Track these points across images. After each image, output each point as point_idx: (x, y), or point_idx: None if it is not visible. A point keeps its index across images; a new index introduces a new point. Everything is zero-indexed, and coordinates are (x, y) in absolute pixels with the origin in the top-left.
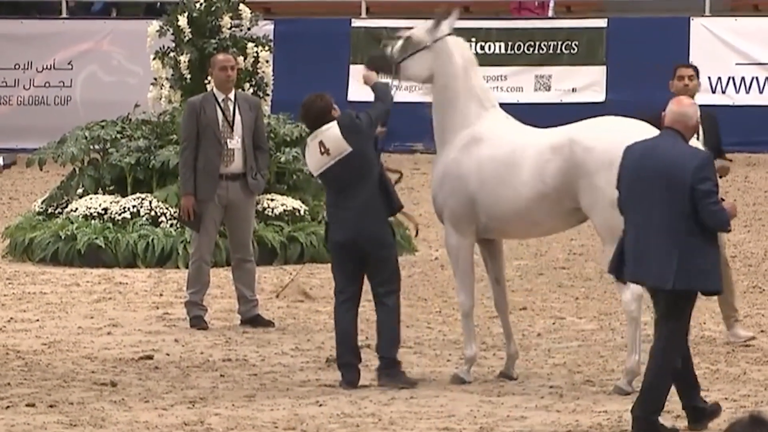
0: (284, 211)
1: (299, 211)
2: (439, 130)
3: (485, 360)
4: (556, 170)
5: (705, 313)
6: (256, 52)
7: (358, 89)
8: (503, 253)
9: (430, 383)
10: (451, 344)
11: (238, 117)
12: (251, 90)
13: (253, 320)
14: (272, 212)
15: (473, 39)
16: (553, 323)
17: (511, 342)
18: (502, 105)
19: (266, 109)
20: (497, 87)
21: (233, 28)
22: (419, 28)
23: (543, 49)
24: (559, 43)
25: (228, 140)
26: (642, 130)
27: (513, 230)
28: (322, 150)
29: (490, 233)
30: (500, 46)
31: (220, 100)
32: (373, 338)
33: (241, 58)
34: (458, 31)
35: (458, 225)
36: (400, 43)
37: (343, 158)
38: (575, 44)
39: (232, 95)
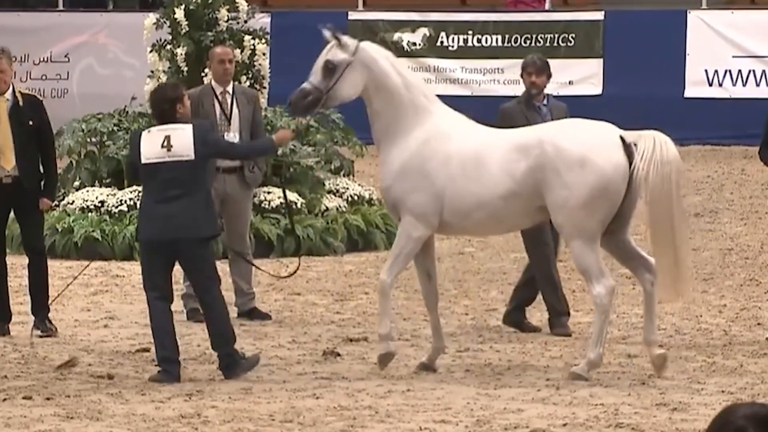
0: (281, 203)
1: (296, 203)
2: (385, 133)
3: (482, 353)
4: (527, 168)
5: (701, 306)
6: (253, 44)
7: None
8: (434, 247)
9: (426, 376)
10: (447, 337)
11: (235, 110)
12: (248, 83)
13: (249, 313)
14: (269, 205)
15: (470, 31)
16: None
17: (439, 336)
18: (499, 98)
19: (263, 101)
20: (494, 80)
21: (230, 21)
22: (330, 51)
23: (540, 42)
24: (556, 35)
25: (225, 133)
26: (610, 132)
27: (474, 227)
28: (165, 144)
29: (448, 230)
30: (497, 39)
31: (218, 93)
32: (370, 332)
33: (238, 51)
34: (456, 24)
35: (423, 218)
36: (318, 72)
37: (183, 161)
38: (572, 37)
39: (230, 88)
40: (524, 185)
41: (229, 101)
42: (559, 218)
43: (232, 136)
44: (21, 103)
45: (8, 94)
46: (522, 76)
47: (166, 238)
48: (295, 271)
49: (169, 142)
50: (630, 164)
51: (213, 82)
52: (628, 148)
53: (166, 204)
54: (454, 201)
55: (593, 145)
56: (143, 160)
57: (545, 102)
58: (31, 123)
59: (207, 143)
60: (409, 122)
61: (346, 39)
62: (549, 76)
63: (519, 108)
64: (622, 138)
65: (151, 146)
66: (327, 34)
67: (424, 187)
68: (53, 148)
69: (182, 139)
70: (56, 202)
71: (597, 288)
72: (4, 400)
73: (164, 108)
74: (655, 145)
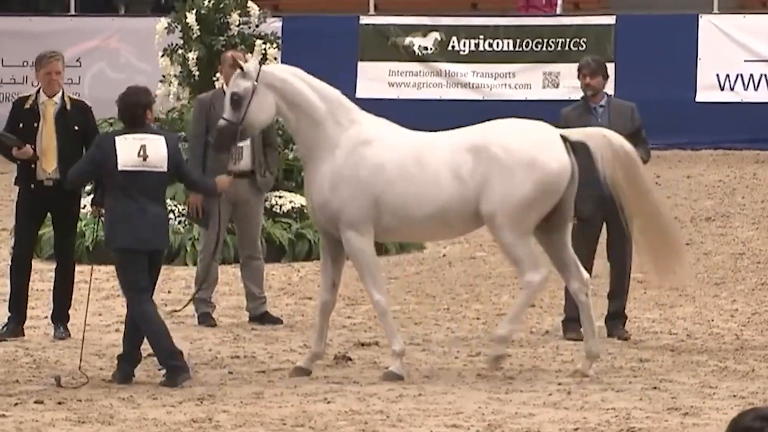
0: (292, 208)
1: (307, 208)
2: (310, 148)
3: None
4: (474, 170)
5: (713, 310)
6: (265, 49)
7: (366, 87)
8: (344, 258)
9: (438, 380)
10: (459, 341)
11: None
12: None
13: (261, 317)
14: (280, 209)
15: (481, 36)
16: (562, 321)
17: (323, 342)
18: (510, 102)
19: None
20: (505, 84)
21: (241, 25)
22: (233, 82)
23: (551, 47)
24: (567, 40)
25: None
26: (551, 131)
27: (420, 232)
28: (141, 153)
29: (391, 235)
30: (508, 44)
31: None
32: (382, 336)
33: (249, 55)
34: (467, 29)
35: (360, 228)
36: (227, 106)
37: (156, 172)
38: (583, 41)
39: None
40: (472, 188)
41: None
42: (489, 208)
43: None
44: (68, 107)
45: (57, 98)
46: (578, 78)
47: (151, 247)
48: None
49: (145, 151)
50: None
51: (225, 87)
52: (568, 148)
53: (143, 213)
54: (396, 206)
55: (540, 145)
56: (120, 167)
57: (602, 103)
58: (76, 128)
59: (176, 159)
60: (331, 134)
61: (248, 66)
62: (605, 77)
63: (576, 111)
64: (563, 137)
65: (128, 153)
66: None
67: (359, 196)
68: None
69: (157, 150)
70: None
71: (530, 275)
72: (16, 404)
73: (137, 113)
74: (610, 141)
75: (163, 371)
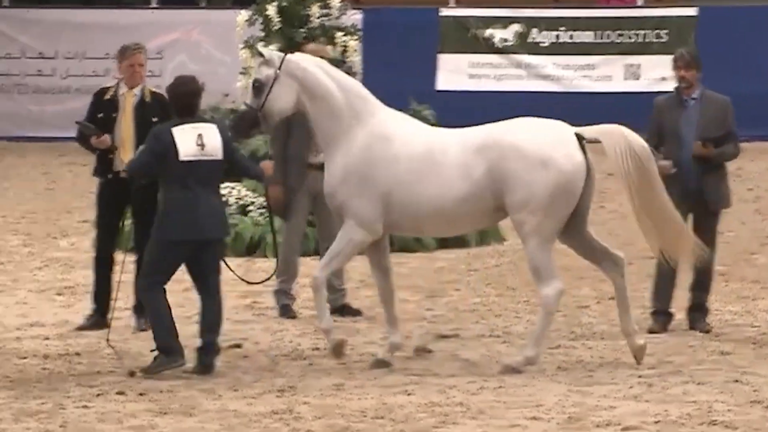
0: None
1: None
2: (327, 138)
3: (573, 350)
4: (485, 170)
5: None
6: (345, 41)
7: (446, 79)
8: (387, 242)
9: (518, 372)
10: None
11: None
12: None
13: (341, 309)
14: None
15: (562, 28)
16: (642, 313)
17: (396, 332)
18: (590, 94)
19: None
20: (586, 76)
21: (322, 18)
22: (256, 69)
23: (632, 38)
24: (649, 32)
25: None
26: (566, 130)
27: (429, 228)
28: (199, 142)
29: (398, 230)
30: (589, 35)
31: None
32: (462, 328)
33: (329, 48)
34: (547, 20)
35: (366, 224)
36: (249, 92)
37: (214, 161)
38: (665, 33)
39: None
40: (482, 187)
41: None
42: (518, 217)
43: None
44: (148, 99)
45: (137, 90)
46: (672, 69)
47: (206, 237)
48: (268, 278)
49: (202, 140)
50: (587, 162)
51: None
52: (583, 146)
53: (198, 203)
54: (405, 203)
55: (553, 145)
56: (182, 158)
57: (695, 95)
58: (154, 120)
59: (229, 146)
60: (348, 126)
61: (271, 54)
62: (699, 69)
63: (668, 102)
64: (578, 135)
65: (187, 143)
66: (254, 53)
67: (366, 192)
68: None
69: (212, 138)
70: None
71: (546, 290)
72: (98, 395)
73: (190, 102)
74: (626, 138)
75: (156, 353)
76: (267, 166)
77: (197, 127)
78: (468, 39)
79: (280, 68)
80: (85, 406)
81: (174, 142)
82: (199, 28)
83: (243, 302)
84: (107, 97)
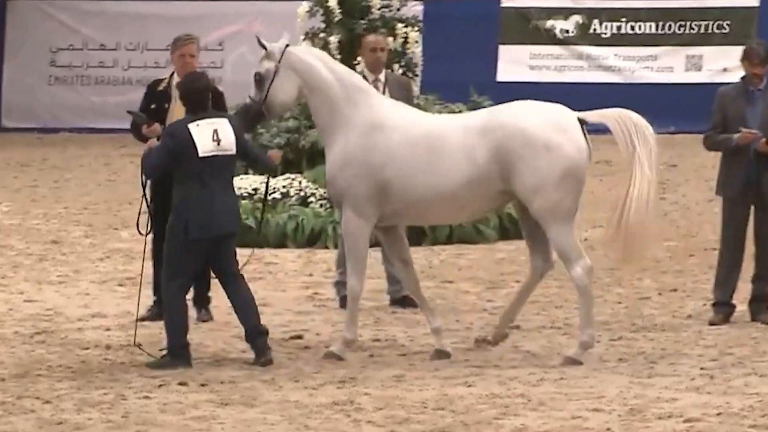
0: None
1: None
2: (328, 129)
3: (635, 341)
4: (489, 154)
5: None
6: (406, 32)
7: (507, 70)
8: (404, 234)
9: (579, 364)
10: (600, 325)
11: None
12: (400, 71)
13: (401, 300)
14: None
15: (623, 18)
16: (704, 305)
17: (434, 316)
18: (652, 85)
19: (415, 89)
20: (647, 67)
21: (383, 9)
22: (259, 63)
23: (694, 29)
24: (711, 22)
25: None
26: (568, 113)
27: (433, 216)
28: (215, 138)
29: (400, 219)
30: (650, 26)
31: (370, 81)
32: (523, 320)
33: (390, 39)
34: (609, 11)
35: (361, 210)
36: (252, 85)
37: (228, 155)
38: (727, 24)
39: (382, 76)
40: (486, 171)
41: (381, 89)
42: (535, 204)
43: None
44: None
45: None
46: (742, 62)
47: (223, 232)
48: (245, 263)
49: (218, 135)
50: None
51: (365, 71)
52: (584, 130)
53: (215, 199)
54: (407, 191)
55: (556, 128)
56: (201, 154)
57: (761, 87)
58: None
59: (242, 140)
60: (347, 116)
61: (272, 46)
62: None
63: (732, 92)
64: (580, 119)
65: (204, 139)
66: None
67: (365, 179)
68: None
69: (227, 133)
70: None
71: (576, 269)
72: (160, 386)
73: (204, 98)
74: (631, 119)
75: (164, 352)
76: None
77: (212, 123)
78: (529, 30)
79: (280, 61)
80: (146, 397)
81: (192, 138)
82: (260, 20)
83: (304, 293)
84: (160, 88)
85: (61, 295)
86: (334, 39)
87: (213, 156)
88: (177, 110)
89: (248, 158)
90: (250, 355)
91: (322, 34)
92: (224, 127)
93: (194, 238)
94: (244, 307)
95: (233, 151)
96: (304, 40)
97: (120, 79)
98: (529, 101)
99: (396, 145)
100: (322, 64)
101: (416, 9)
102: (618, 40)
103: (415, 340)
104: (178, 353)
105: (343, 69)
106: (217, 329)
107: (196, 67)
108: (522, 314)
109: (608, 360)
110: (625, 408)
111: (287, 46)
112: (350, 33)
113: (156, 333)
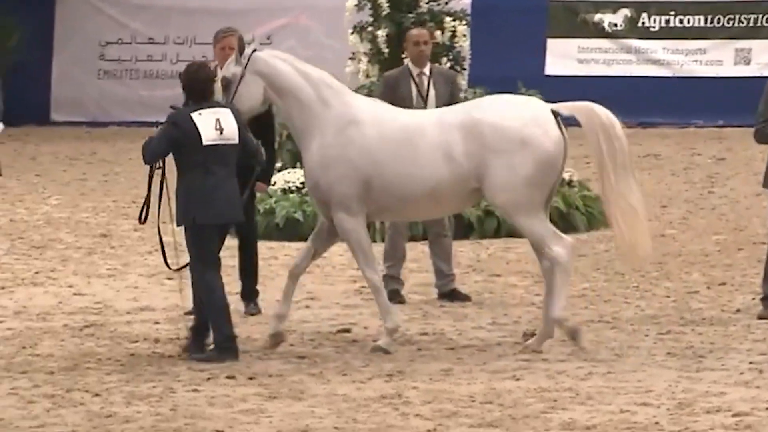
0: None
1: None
2: (302, 131)
3: (683, 335)
4: (465, 149)
5: None
6: (454, 26)
7: (555, 63)
8: (335, 235)
9: (627, 358)
10: (648, 319)
11: (432, 91)
12: (448, 64)
13: (449, 294)
14: None
15: (672, 12)
16: (753, 299)
17: (287, 304)
18: (701, 79)
19: (463, 83)
20: (696, 61)
21: (431, 2)
22: (226, 67)
23: (743, 23)
24: (760, 16)
25: None
26: (543, 107)
27: (413, 211)
28: (218, 127)
29: (385, 215)
30: (699, 20)
31: (414, 74)
32: (571, 313)
33: (438, 32)
34: (657, 5)
35: (350, 208)
36: (219, 90)
37: (231, 145)
38: None
39: (426, 70)
40: (463, 167)
41: (425, 83)
42: (501, 198)
43: None
44: None
45: None
46: None
47: (227, 220)
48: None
49: (220, 124)
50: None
51: (410, 64)
52: (559, 122)
53: (221, 187)
54: (387, 187)
55: (532, 123)
56: (205, 142)
57: None
58: None
59: (243, 130)
60: (320, 116)
61: (246, 51)
62: None
63: None
64: (554, 112)
65: (208, 128)
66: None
67: (348, 176)
68: (274, 133)
69: (229, 122)
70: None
71: (556, 249)
72: (208, 379)
73: (206, 88)
74: (597, 114)
75: (212, 346)
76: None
77: (215, 112)
78: (577, 23)
79: (246, 67)
80: (195, 390)
81: (196, 127)
82: (308, 13)
83: (352, 287)
84: None
85: (110, 289)
86: (381, 33)
87: (216, 145)
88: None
89: (247, 148)
90: (299, 348)
91: (369, 28)
92: (227, 117)
93: (201, 223)
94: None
95: (236, 141)
96: (352, 33)
97: (168, 72)
98: (503, 95)
99: (374, 141)
100: (291, 67)
101: (464, 2)
102: (667, 33)
103: (463, 334)
104: (225, 346)
105: (313, 70)
106: (264, 322)
107: None
108: (569, 308)
109: (656, 354)
110: (673, 402)
111: (254, 51)
112: (398, 27)
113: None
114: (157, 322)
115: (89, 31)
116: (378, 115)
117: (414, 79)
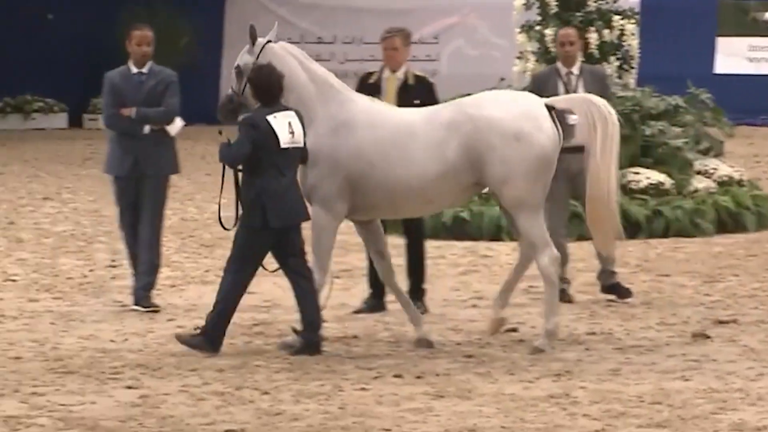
0: (649, 184)
1: (664, 184)
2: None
3: None
4: (458, 146)
5: None
6: (622, 24)
7: (724, 62)
8: (381, 226)
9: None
10: None
11: (580, 90)
12: (617, 63)
13: (613, 287)
14: (636, 185)
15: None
16: None
17: (410, 309)
18: None
19: (631, 82)
20: None
21: (599, 1)
22: (241, 55)
23: None
24: None
25: (569, 114)
26: (536, 101)
27: (405, 209)
28: (290, 130)
29: (376, 212)
30: None
31: (562, 74)
32: (740, 314)
33: (606, 31)
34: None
35: (330, 207)
36: (233, 78)
37: (299, 148)
38: None
39: (575, 69)
40: (457, 164)
41: (573, 82)
42: (503, 193)
43: (575, 117)
44: (411, 82)
45: (400, 73)
46: None
47: (299, 220)
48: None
49: (292, 127)
50: (558, 131)
51: (558, 63)
52: (553, 117)
53: (293, 188)
54: (378, 187)
55: (525, 117)
56: (282, 145)
57: None
58: (417, 102)
59: (304, 132)
60: (317, 114)
61: (260, 40)
62: None
63: None
64: (548, 106)
65: (283, 131)
66: (251, 33)
67: (333, 176)
68: None
69: (298, 125)
70: None
71: (542, 259)
72: (376, 377)
73: (276, 92)
74: (595, 105)
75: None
76: None
77: (286, 115)
78: (747, 22)
79: (258, 57)
80: (363, 389)
81: (273, 130)
82: (476, 13)
83: (519, 286)
84: (371, 80)
85: (278, 287)
86: (549, 32)
87: (288, 148)
88: (388, 103)
89: (303, 151)
90: (466, 347)
91: (537, 27)
92: (295, 120)
93: (274, 227)
94: (306, 297)
95: (302, 144)
96: (520, 32)
97: (336, 72)
98: (495, 91)
99: (364, 141)
100: (298, 63)
101: (633, 1)
102: None
103: (631, 334)
104: (211, 339)
105: (318, 68)
106: (432, 321)
107: (400, 60)
108: (739, 308)
109: None
110: None
111: (268, 41)
112: (567, 26)
113: (370, 325)
114: (325, 321)
115: (259, 31)
116: (373, 116)
117: (562, 79)
